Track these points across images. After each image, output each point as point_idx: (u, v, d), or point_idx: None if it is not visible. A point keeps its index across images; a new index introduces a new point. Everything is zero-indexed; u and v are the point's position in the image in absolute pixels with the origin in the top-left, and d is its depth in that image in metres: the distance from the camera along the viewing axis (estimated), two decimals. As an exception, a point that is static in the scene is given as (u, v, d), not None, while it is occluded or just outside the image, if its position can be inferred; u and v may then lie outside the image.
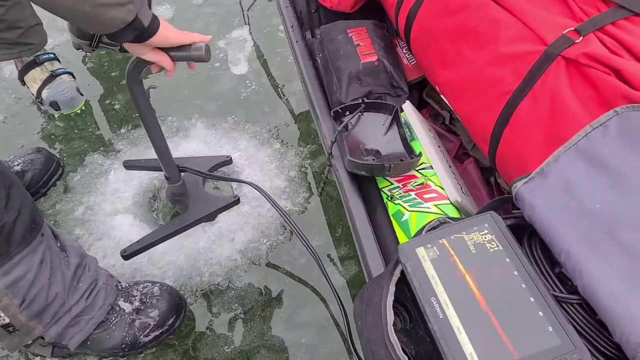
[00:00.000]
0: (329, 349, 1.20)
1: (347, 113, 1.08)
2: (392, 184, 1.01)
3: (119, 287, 1.17)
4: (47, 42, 1.05)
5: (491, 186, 1.11)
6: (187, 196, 1.27)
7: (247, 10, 2.11)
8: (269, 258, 1.34)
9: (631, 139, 0.64)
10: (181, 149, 1.57)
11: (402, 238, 0.92)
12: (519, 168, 0.78)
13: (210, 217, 1.27)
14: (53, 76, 1.65)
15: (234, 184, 1.50)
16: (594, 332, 0.59)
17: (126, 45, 0.86)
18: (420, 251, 0.64)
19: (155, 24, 0.83)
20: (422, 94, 1.28)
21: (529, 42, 0.79)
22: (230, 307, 1.26)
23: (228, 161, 1.40)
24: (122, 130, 1.67)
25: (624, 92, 0.67)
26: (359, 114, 1.08)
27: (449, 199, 0.94)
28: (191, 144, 1.59)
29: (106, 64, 1.90)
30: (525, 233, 0.70)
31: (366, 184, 1.02)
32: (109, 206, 1.43)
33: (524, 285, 0.59)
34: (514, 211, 0.74)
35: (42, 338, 1.07)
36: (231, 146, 1.58)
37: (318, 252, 1.10)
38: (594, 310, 0.57)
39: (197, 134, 1.63)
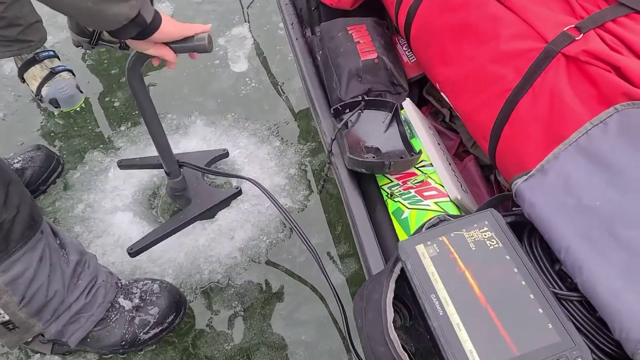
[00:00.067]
0: (328, 346, 1.20)
1: (347, 110, 1.08)
2: (392, 181, 1.01)
3: (119, 284, 1.17)
4: (46, 39, 1.04)
5: (491, 184, 1.11)
6: (187, 191, 1.27)
7: (247, 8, 2.11)
8: (268, 256, 1.35)
9: (631, 137, 0.63)
10: (181, 146, 1.57)
11: (401, 236, 0.92)
12: (518, 165, 0.78)
13: (215, 209, 1.28)
14: (53, 73, 1.64)
15: (234, 181, 1.49)
16: (593, 329, 0.59)
17: (129, 42, 0.86)
18: (420, 248, 0.64)
19: (157, 19, 0.83)
20: (422, 91, 1.28)
21: (530, 40, 0.79)
22: (230, 304, 1.27)
23: (225, 154, 1.41)
24: (122, 128, 1.67)
25: (624, 89, 0.67)
26: (359, 111, 1.07)
27: (448, 196, 0.94)
28: (191, 141, 1.59)
29: (106, 61, 1.90)
30: (525, 230, 0.70)
31: (366, 182, 1.02)
32: (109, 204, 1.43)
33: (523, 283, 0.59)
34: (513, 208, 0.74)
35: (42, 335, 1.07)
36: (231, 144, 1.58)
37: (318, 249, 1.10)
38: (594, 307, 0.57)
39: (197, 132, 1.63)
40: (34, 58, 1.63)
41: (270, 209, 1.41)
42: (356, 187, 0.99)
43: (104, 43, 1.77)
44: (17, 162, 1.44)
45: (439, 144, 1.08)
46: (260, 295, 1.28)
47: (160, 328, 1.16)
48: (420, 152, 1.00)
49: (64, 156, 1.59)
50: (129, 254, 1.20)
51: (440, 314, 0.58)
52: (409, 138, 1.05)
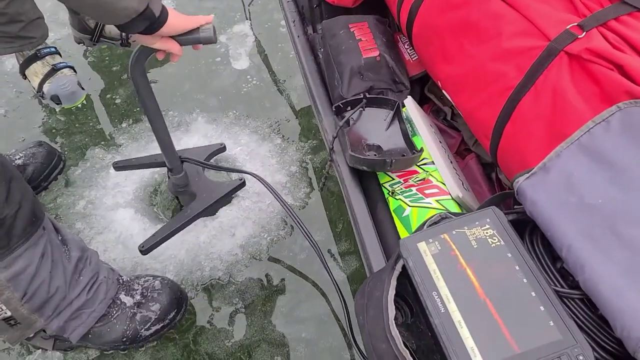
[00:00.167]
0: (329, 343, 1.20)
1: (349, 108, 1.08)
2: (393, 179, 1.01)
3: (120, 280, 1.18)
4: (48, 35, 1.04)
5: (492, 182, 1.11)
6: (190, 186, 1.27)
7: (249, 5, 2.10)
8: (269, 253, 1.35)
9: (634, 135, 0.63)
10: (182, 143, 1.57)
11: (403, 233, 0.92)
12: (520, 163, 0.78)
13: (220, 202, 1.28)
14: (54, 70, 1.65)
15: (234, 176, 1.50)
16: (595, 327, 0.59)
17: (136, 37, 0.86)
18: (422, 246, 0.64)
19: (165, 13, 0.83)
20: (424, 89, 1.27)
21: (532, 37, 0.79)
22: (231, 301, 1.27)
23: (222, 149, 1.41)
24: (123, 125, 1.67)
25: (627, 87, 0.67)
26: (361, 109, 1.07)
27: (450, 194, 0.94)
28: (192, 138, 1.59)
29: (107, 58, 1.90)
30: (527, 228, 0.70)
31: (367, 179, 1.02)
32: (110, 200, 1.44)
33: (525, 280, 0.59)
34: (515, 206, 0.74)
35: (44, 331, 1.07)
36: (232, 141, 1.58)
37: (319, 247, 1.10)
38: (595, 305, 0.57)
39: (198, 129, 1.63)
40: (36, 54, 1.63)
41: (271, 207, 1.41)
42: (357, 184, 0.99)
43: (106, 40, 1.77)
44: (19, 159, 1.44)
45: (440, 142, 1.08)
46: (261, 292, 1.28)
47: (162, 324, 1.16)
48: (421, 150, 1.00)
49: (66, 153, 1.59)
50: (141, 251, 1.20)
51: (442, 311, 0.58)
52: (410, 136, 1.05)
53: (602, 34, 0.74)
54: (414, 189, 0.97)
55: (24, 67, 1.65)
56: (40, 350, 1.18)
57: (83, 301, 1.07)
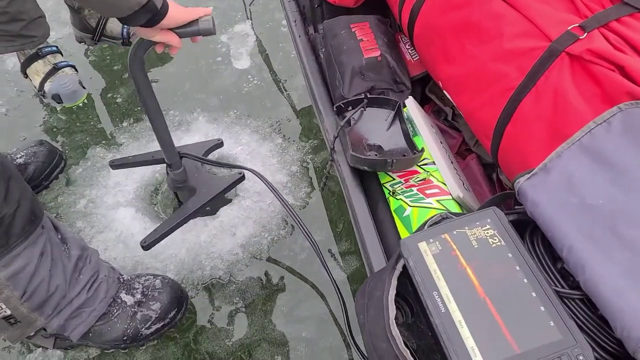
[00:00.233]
0: (329, 343, 1.20)
1: (350, 108, 1.08)
2: (394, 179, 1.01)
3: (121, 279, 1.18)
4: (49, 34, 1.05)
5: (493, 182, 1.11)
6: (189, 182, 1.27)
7: (250, 5, 2.10)
8: (270, 252, 1.35)
9: (635, 136, 0.64)
10: (183, 142, 1.56)
11: (403, 233, 0.92)
12: (521, 164, 0.78)
13: (221, 196, 1.28)
14: (55, 69, 1.65)
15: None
16: (595, 328, 0.59)
17: (136, 29, 0.86)
18: (423, 246, 0.64)
19: (165, 5, 0.84)
20: (425, 89, 1.27)
21: (533, 38, 0.79)
22: (232, 300, 1.27)
23: (219, 144, 1.41)
24: (124, 124, 1.67)
25: (628, 88, 0.67)
26: (362, 109, 1.08)
27: (451, 194, 0.94)
28: (193, 137, 1.59)
29: (108, 57, 1.90)
30: (527, 228, 0.70)
31: (368, 179, 1.02)
32: (111, 199, 1.44)
33: (525, 280, 0.59)
34: (516, 207, 0.74)
35: (44, 330, 1.07)
36: (233, 141, 1.58)
37: (319, 247, 1.10)
38: (596, 305, 0.58)
39: (199, 128, 1.63)
40: (37, 53, 1.63)
41: (271, 206, 1.41)
42: (358, 184, 0.99)
43: (107, 39, 1.77)
44: (20, 157, 1.44)
45: (441, 142, 1.08)
46: (262, 292, 1.28)
47: (162, 323, 1.16)
48: (422, 150, 1.00)
49: (67, 152, 1.59)
50: (143, 247, 1.20)
51: (442, 311, 0.58)
52: (411, 136, 1.05)
53: (604, 35, 0.74)
54: (414, 189, 0.97)
55: (25, 66, 1.65)
56: (40, 348, 1.18)
57: (83, 300, 1.07)
